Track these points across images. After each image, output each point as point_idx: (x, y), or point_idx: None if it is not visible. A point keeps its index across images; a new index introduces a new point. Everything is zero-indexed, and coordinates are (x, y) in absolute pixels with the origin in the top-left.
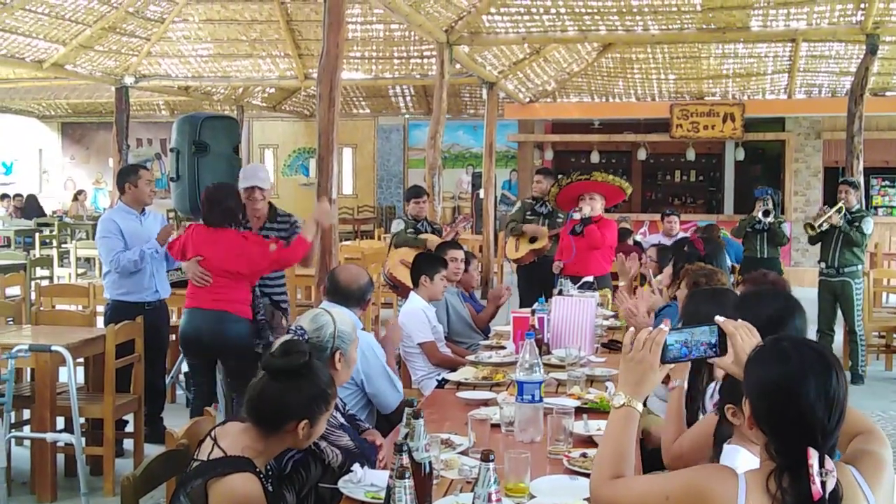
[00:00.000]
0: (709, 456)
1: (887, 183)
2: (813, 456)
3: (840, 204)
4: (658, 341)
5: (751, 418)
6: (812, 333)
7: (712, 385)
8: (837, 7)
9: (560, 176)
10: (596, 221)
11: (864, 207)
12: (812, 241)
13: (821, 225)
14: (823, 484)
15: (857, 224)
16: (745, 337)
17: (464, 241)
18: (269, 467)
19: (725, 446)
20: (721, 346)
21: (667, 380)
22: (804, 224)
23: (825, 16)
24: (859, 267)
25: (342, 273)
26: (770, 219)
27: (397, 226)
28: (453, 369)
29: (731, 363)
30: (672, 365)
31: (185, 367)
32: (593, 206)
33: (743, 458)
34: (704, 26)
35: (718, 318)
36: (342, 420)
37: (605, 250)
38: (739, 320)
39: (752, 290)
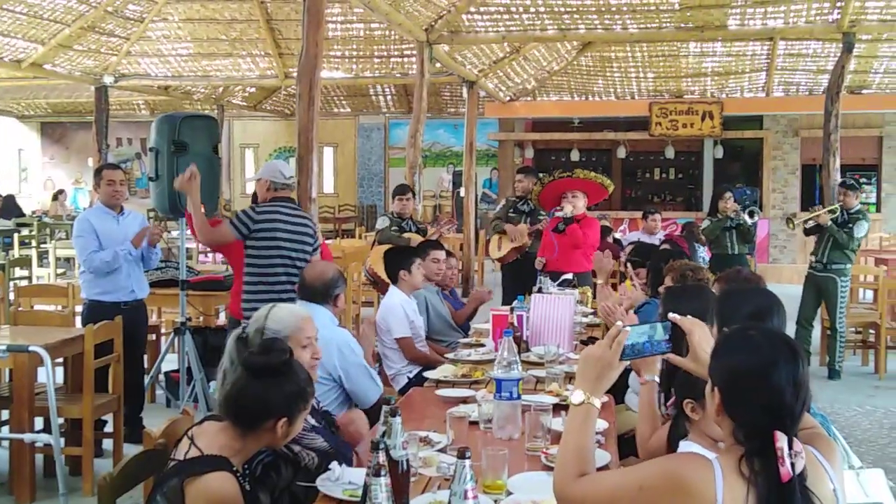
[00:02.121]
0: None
1: (864, 180)
2: (781, 439)
3: (836, 205)
4: (620, 340)
5: (720, 406)
6: (790, 326)
7: None
8: (814, 6)
9: (542, 174)
10: (578, 220)
11: (862, 208)
12: (806, 232)
13: (806, 221)
14: (793, 465)
15: (849, 226)
16: (701, 334)
17: (444, 240)
18: (244, 466)
19: (681, 443)
20: (674, 342)
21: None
22: (785, 218)
23: (802, 14)
24: (847, 266)
25: (308, 270)
26: (755, 219)
27: (382, 223)
28: (428, 367)
29: (687, 359)
30: (628, 361)
31: (164, 368)
32: (576, 205)
33: None
34: (682, 25)
35: (673, 316)
36: (314, 422)
37: (586, 248)
38: (689, 317)
39: (733, 288)
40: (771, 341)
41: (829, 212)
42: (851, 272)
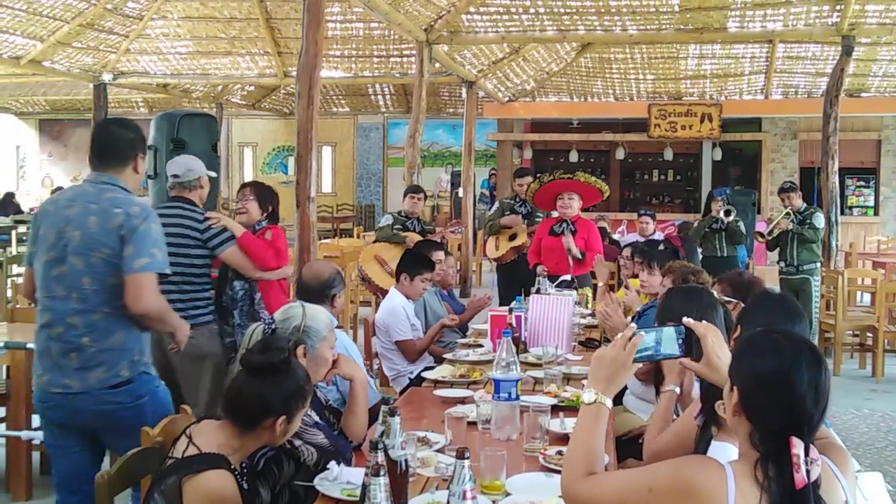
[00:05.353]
0: (688, 454)
1: (862, 183)
2: (797, 445)
3: (787, 210)
4: (635, 343)
5: (737, 406)
6: None
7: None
8: (813, 8)
9: (539, 174)
10: (574, 222)
11: (813, 204)
12: (770, 246)
13: (770, 232)
14: (808, 472)
15: (808, 222)
16: (714, 339)
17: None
18: (242, 464)
19: (714, 442)
20: (686, 346)
21: (645, 377)
22: (754, 233)
23: (801, 17)
24: (817, 264)
25: (306, 270)
26: (731, 217)
27: (385, 220)
28: (438, 360)
29: (700, 364)
30: (640, 364)
31: None
32: (571, 206)
33: (733, 454)
34: (682, 27)
35: (687, 320)
36: (316, 418)
37: (590, 252)
38: (704, 322)
39: (759, 297)
40: (795, 345)
41: (785, 216)
42: (847, 274)
